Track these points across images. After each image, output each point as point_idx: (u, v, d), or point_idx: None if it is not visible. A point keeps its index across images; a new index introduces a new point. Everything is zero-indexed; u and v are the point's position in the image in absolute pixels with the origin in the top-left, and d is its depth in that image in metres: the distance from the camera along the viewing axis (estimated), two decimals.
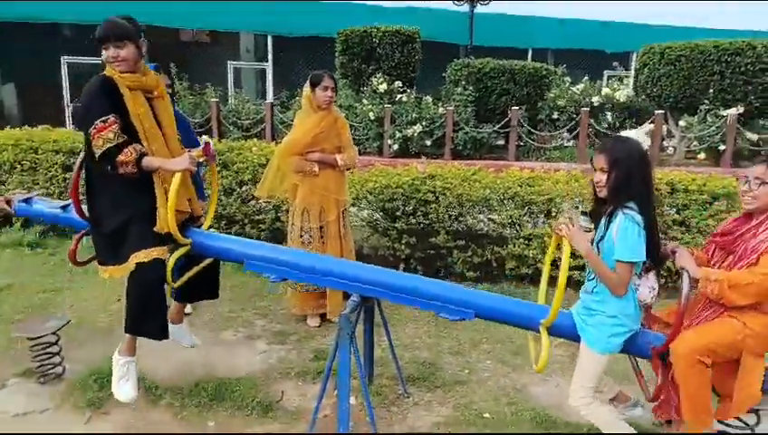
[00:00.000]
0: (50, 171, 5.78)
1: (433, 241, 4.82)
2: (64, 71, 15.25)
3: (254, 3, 16.49)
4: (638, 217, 2.25)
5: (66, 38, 15.64)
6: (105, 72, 2.56)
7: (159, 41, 16.87)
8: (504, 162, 10.14)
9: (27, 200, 3.10)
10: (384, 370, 3.37)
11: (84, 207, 2.76)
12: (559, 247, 2.40)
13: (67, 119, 14.84)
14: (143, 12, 15.76)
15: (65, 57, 15.08)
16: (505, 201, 4.86)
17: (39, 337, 3.20)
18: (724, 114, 10.33)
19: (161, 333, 2.61)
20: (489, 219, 4.96)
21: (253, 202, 5.41)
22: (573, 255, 2.48)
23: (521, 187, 4.82)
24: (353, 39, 11.98)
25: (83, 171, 2.71)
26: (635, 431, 2.46)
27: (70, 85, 15.28)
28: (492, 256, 4.78)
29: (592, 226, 2.47)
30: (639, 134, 2.55)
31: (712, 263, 2.45)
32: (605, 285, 2.32)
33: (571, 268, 4.26)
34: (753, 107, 10.51)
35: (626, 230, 2.23)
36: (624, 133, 2.43)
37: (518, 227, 4.80)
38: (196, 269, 2.86)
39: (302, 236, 3.91)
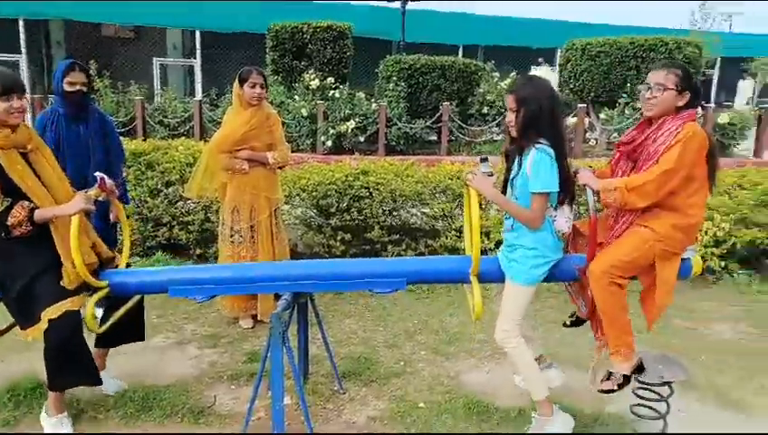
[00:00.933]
0: None
1: (368, 236, 4.84)
2: None
3: None
4: (550, 150, 2.36)
5: None
6: None
7: (79, 37, 16.11)
8: (437, 157, 10.29)
9: None
10: (320, 367, 3.35)
11: None
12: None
13: None
14: (61, 5, 15.01)
15: None
16: (437, 195, 4.95)
17: None
18: (640, 107, 10.91)
19: (92, 380, 2.58)
20: (422, 213, 5.03)
21: (181, 203, 5.24)
22: None
23: (451, 180, 4.92)
24: (284, 35, 11.81)
25: None
26: (545, 383, 2.58)
27: None
28: (425, 250, 4.85)
29: (492, 169, 2.56)
30: (548, 72, 2.65)
31: (621, 173, 2.57)
32: (520, 222, 2.44)
33: None
34: None
35: (538, 163, 2.35)
36: (535, 72, 2.56)
37: (450, 220, 4.90)
38: (121, 312, 2.75)
39: (232, 237, 3.83)
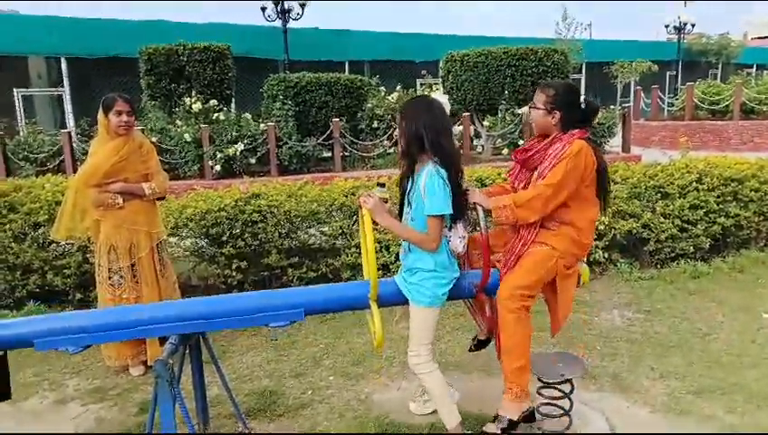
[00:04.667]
0: None
1: (266, 262, 4.65)
2: None
3: (44, 23, 14.77)
4: (442, 171, 2.35)
5: None
6: None
7: None
8: (331, 174, 10.24)
9: None
10: (222, 408, 3.13)
11: None
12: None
13: None
14: None
15: None
16: (334, 213, 4.86)
17: None
18: (519, 112, 11.54)
19: None
20: (321, 232, 4.92)
21: (53, 246, 4.75)
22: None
23: (346, 197, 4.85)
24: (158, 58, 11.25)
25: None
26: (458, 397, 2.59)
27: None
28: (327, 269, 4.74)
29: (388, 195, 2.54)
30: (443, 96, 2.67)
31: (519, 183, 2.63)
32: (417, 246, 2.41)
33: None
34: None
35: (431, 186, 2.33)
36: (432, 94, 2.57)
37: (349, 237, 4.82)
38: None
39: (110, 278, 3.50)
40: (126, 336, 2.44)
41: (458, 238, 2.51)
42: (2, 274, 4.70)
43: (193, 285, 4.87)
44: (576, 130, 2.49)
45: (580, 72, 22.73)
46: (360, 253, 4.74)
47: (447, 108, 2.57)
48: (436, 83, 15.68)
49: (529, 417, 2.55)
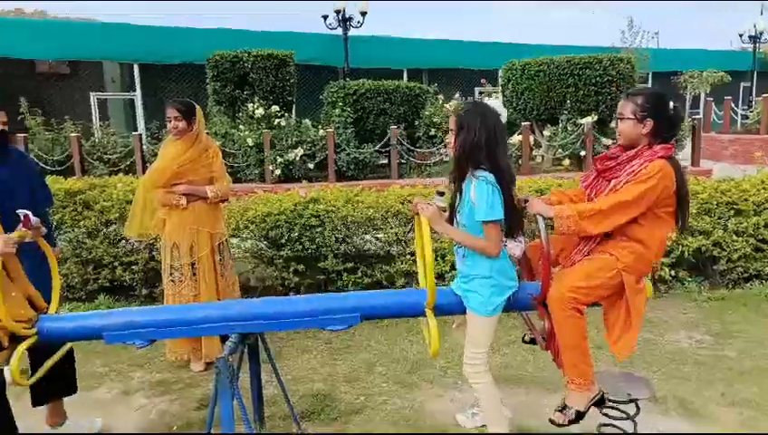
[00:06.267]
0: None
1: (321, 266, 4.71)
2: None
3: (119, 30, 15.56)
4: (491, 177, 2.31)
5: None
6: None
7: (10, 73, 15.42)
8: (388, 181, 10.28)
9: None
10: (277, 408, 3.18)
11: None
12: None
13: None
14: None
15: None
16: (389, 219, 4.87)
17: None
18: (581, 123, 11.25)
19: None
20: (376, 239, 4.94)
21: (123, 242, 4.98)
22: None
23: (402, 204, 4.85)
24: (224, 64, 11.64)
25: None
26: (510, 415, 2.49)
27: None
28: (381, 276, 4.75)
29: (446, 204, 2.50)
30: (498, 103, 2.61)
31: (595, 193, 2.49)
32: (477, 252, 2.36)
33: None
34: (604, 114, 11.56)
35: (482, 193, 2.29)
36: (488, 101, 2.51)
37: (404, 244, 4.82)
38: (49, 363, 2.53)
39: (171, 275, 3.63)
40: (189, 333, 2.52)
41: (515, 243, 2.46)
42: (76, 268, 4.96)
43: (252, 286, 4.99)
44: (659, 147, 2.35)
45: (646, 81, 21.96)
46: (414, 260, 4.72)
47: (504, 116, 2.50)
48: (495, 91, 15.53)
49: (599, 401, 2.44)
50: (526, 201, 2.46)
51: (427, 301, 2.42)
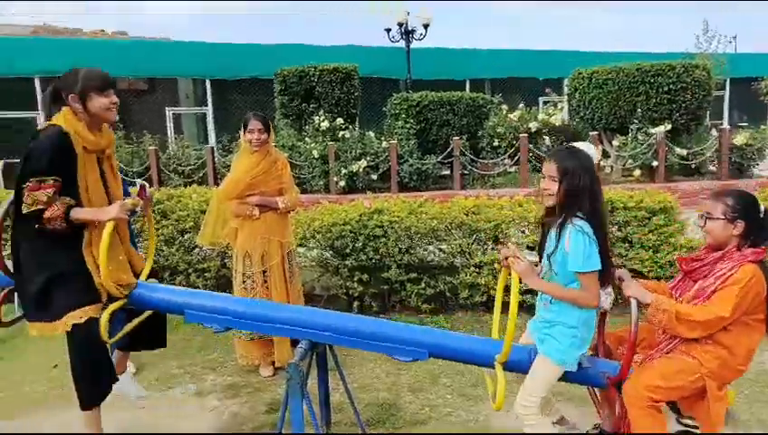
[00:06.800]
0: None
1: (385, 276, 4.76)
2: None
3: (191, 48, 16.38)
4: (587, 227, 2.25)
5: None
6: (61, 126, 2.38)
7: None
8: (450, 192, 10.27)
9: None
10: (342, 415, 3.24)
11: (9, 262, 2.56)
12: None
13: None
14: (74, 62, 15.54)
15: None
16: (453, 230, 4.87)
17: None
18: (653, 132, 10.84)
19: (109, 387, 2.51)
20: (439, 250, 4.94)
21: (196, 250, 5.22)
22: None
23: (466, 215, 4.84)
24: (291, 79, 12.01)
25: (8, 222, 2.53)
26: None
27: None
28: (445, 287, 4.75)
29: (538, 259, 2.47)
30: (590, 146, 2.55)
31: (680, 292, 2.44)
32: (578, 306, 2.29)
33: (520, 293, 4.30)
34: (678, 124, 11.09)
35: (578, 243, 2.24)
36: (577, 145, 2.46)
37: (468, 256, 4.80)
38: (135, 322, 2.68)
39: (244, 283, 3.77)
40: (263, 329, 2.61)
41: (605, 295, 2.37)
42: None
43: (316, 294, 5.10)
44: (749, 251, 2.28)
45: (723, 88, 20.91)
46: (478, 273, 4.69)
47: (595, 159, 2.45)
48: (560, 101, 15.22)
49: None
50: (621, 280, 2.40)
51: (500, 356, 2.36)
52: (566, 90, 12.75)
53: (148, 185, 2.69)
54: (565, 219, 2.30)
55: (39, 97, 14.59)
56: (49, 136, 2.37)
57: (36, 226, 2.35)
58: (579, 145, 2.41)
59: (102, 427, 2.59)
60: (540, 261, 2.47)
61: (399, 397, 3.49)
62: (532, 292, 4.10)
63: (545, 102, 16.44)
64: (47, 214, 2.32)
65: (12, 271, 2.52)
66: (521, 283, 2.31)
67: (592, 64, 12.03)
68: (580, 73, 11.96)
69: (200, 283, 5.07)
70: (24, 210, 2.33)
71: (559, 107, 13.42)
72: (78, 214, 2.38)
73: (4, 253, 2.61)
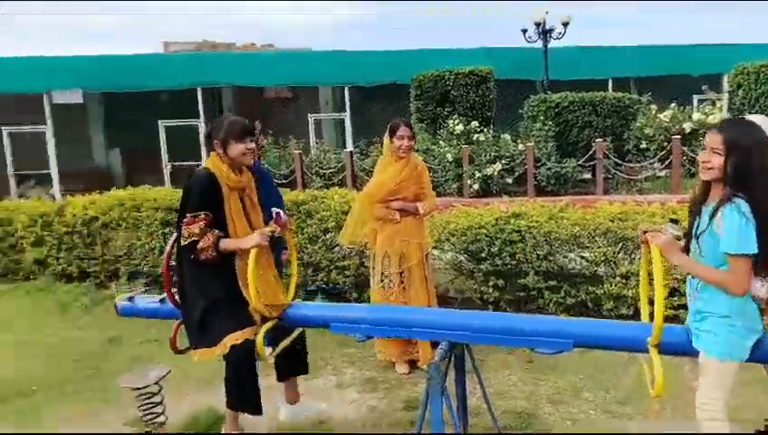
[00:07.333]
0: (150, 227, 6.15)
1: (522, 282, 4.65)
2: (162, 133, 16.52)
3: (331, 58, 17.25)
4: (744, 206, 2.03)
5: (162, 103, 16.99)
6: (210, 168, 2.75)
7: (245, 100, 18.04)
8: (592, 196, 9.75)
9: (131, 299, 3.30)
10: (478, 420, 3.21)
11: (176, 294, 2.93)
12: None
13: (166, 178, 15.95)
14: (230, 74, 17.04)
15: (162, 121, 16.35)
16: (597, 238, 4.62)
17: (142, 387, 3.32)
18: None
19: (255, 410, 2.78)
20: (581, 257, 4.72)
21: (337, 248, 5.47)
22: None
23: (612, 222, 4.57)
24: (427, 84, 12.18)
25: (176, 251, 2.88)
26: None
27: (167, 146, 16.51)
28: (587, 297, 4.52)
29: (681, 233, 2.27)
30: (765, 120, 2.21)
31: None
32: (722, 289, 2.09)
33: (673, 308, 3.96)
34: None
35: (732, 222, 2.03)
36: (751, 117, 2.19)
37: (613, 265, 4.53)
38: (288, 340, 2.94)
39: (382, 282, 3.90)
40: (402, 334, 2.69)
41: (759, 281, 2.13)
42: (297, 270, 5.58)
43: (450, 297, 5.11)
44: None
45: None
46: (625, 283, 4.41)
47: None
48: (719, 99, 13.80)
49: None
50: None
51: (651, 338, 2.21)
52: (726, 86, 11.52)
53: (282, 212, 2.93)
54: (723, 197, 2.08)
55: (200, 107, 16.25)
56: (200, 177, 2.73)
57: (192, 256, 2.68)
58: (753, 118, 2.17)
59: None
60: (684, 237, 2.27)
61: (538, 407, 3.39)
62: (685, 306, 3.77)
63: (701, 101, 14.99)
64: (200, 244, 2.65)
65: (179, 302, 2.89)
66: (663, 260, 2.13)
67: (756, 58, 10.78)
68: (744, 69, 10.81)
69: (340, 279, 5.31)
70: (183, 242, 2.69)
71: (717, 105, 12.20)
72: (225, 244, 2.70)
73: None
